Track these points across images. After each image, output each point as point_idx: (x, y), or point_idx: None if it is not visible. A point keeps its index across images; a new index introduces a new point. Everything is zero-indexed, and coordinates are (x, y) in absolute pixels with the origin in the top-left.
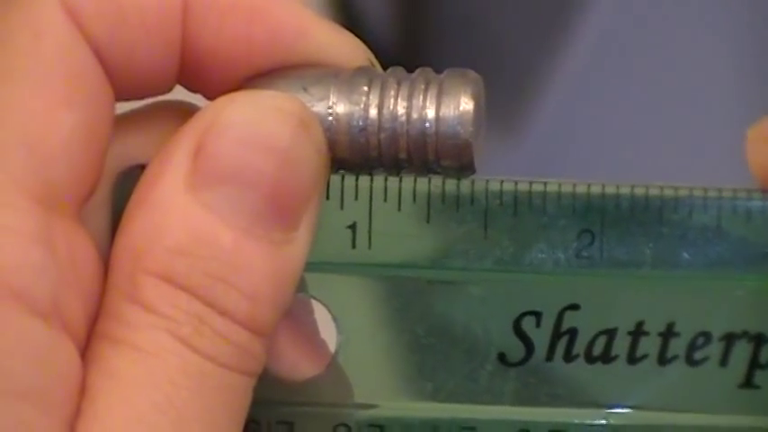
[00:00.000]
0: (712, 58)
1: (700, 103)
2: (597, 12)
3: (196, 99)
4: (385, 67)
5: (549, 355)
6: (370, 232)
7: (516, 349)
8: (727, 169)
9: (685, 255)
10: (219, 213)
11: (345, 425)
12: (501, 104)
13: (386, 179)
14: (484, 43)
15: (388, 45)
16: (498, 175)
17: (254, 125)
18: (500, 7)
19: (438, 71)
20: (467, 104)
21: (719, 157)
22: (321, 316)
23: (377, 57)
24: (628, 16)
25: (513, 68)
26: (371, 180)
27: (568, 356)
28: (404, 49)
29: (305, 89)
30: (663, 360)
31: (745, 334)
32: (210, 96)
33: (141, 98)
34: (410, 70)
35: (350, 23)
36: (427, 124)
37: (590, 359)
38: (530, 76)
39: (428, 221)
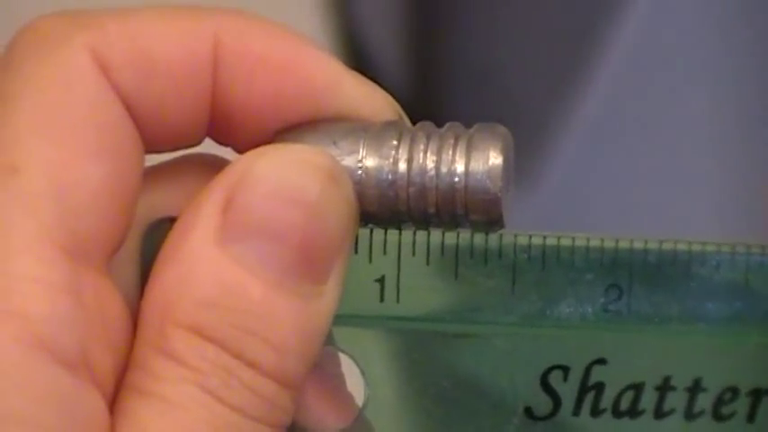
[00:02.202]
0: (729, 107)
1: (715, 153)
2: (611, 62)
3: (226, 152)
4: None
5: (576, 410)
6: (398, 286)
7: (543, 404)
8: (746, 222)
9: (712, 310)
10: (249, 266)
11: None
12: (515, 153)
13: (414, 233)
14: (497, 94)
15: (402, 95)
16: (513, 227)
17: (284, 179)
18: (514, 58)
19: (451, 121)
20: (496, 159)
21: (738, 208)
22: (348, 369)
23: None
24: (643, 65)
25: (526, 119)
26: (400, 234)
27: (595, 411)
28: (417, 100)
29: (334, 143)
30: (690, 415)
31: None
32: (240, 149)
33: (171, 150)
34: (422, 120)
35: (363, 73)
36: (456, 179)
37: (617, 414)
38: (543, 126)
39: (456, 276)
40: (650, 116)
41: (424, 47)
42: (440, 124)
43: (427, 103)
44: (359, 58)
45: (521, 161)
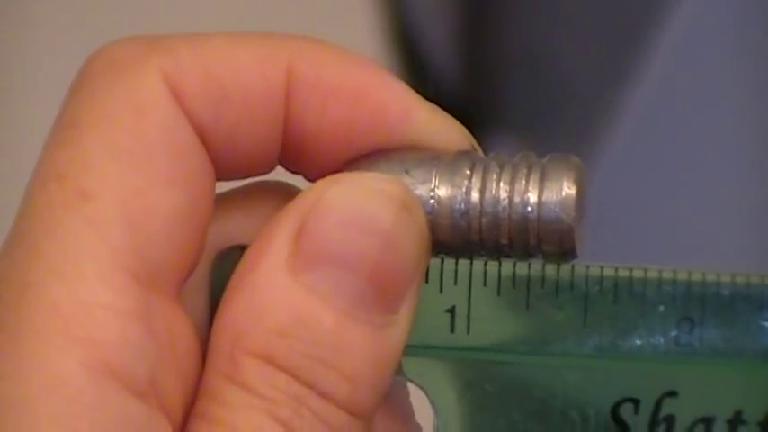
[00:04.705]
0: None
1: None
2: (663, 49)
3: (297, 180)
4: (450, 110)
5: None
6: (468, 317)
7: None
8: None
9: None
10: (321, 295)
11: None
12: (565, 142)
13: (485, 263)
14: (549, 80)
15: (452, 83)
16: None
17: (357, 207)
18: (566, 45)
19: (501, 108)
20: (569, 189)
21: None
22: (418, 399)
23: (441, 95)
24: (697, 50)
25: (578, 105)
26: (471, 264)
27: None
28: (470, 88)
29: (407, 172)
30: None
31: None
32: (311, 178)
33: (242, 178)
34: (474, 107)
35: (413, 61)
36: (529, 209)
37: None
38: (595, 113)
39: (527, 307)
40: (703, 102)
41: (476, 35)
42: (492, 111)
43: (480, 90)
44: (412, 48)
45: (571, 146)
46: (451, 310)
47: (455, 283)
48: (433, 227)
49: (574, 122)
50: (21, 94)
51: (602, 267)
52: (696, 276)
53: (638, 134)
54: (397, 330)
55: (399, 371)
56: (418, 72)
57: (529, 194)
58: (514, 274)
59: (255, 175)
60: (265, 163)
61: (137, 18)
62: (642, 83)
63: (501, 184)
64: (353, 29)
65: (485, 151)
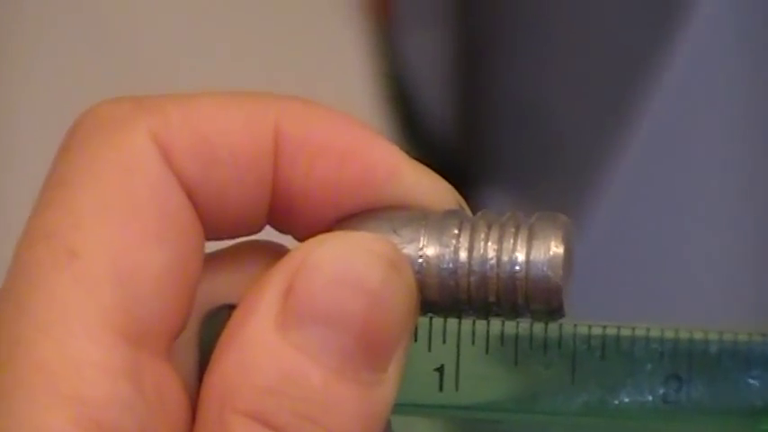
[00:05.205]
0: None
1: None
2: (658, 99)
3: (285, 240)
4: (442, 154)
5: None
6: (457, 375)
7: None
8: None
9: None
10: (309, 353)
11: None
12: (556, 197)
13: (474, 322)
14: (542, 131)
15: (445, 137)
16: None
17: (345, 266)
18: (558, 96)
19: (493, 162)
20: (557, 248)
21: None
22: None
23: (435, 144)
24: (691, 102)
25: (571, 156)
26: (459, 322)
27: None
28: (462, 139)
29: (395, 231)
30: None
31: None
32: (300, 237)
33: (231, 238)
34: (467, 161)
35: (406, 116)
36: (517, 267)
37: None
38: (588, 163)
39: (516, 364)
40: (696, 157)
41: (468, 86)
42: (485, 165)
43: (473, 144)
44: (405, 103)
45: (567, 195)
46: (440, 369)
47: (444, 341)
48: (422, 286)
49: (565, 178)
50: (8, 155)
51: (589, 326)
52: (683, 334)
53: (629, 191)
54: (386, 389)
55: (388, 429)
56: (411, 126)
57: (517, 253)
58: (503, 332)
59: (244, 235)
60: (254, 223)
61: (126, 76)
62: (634, 138)
63: (489, 243)
64: (346, 82)
65: (477, 206)
